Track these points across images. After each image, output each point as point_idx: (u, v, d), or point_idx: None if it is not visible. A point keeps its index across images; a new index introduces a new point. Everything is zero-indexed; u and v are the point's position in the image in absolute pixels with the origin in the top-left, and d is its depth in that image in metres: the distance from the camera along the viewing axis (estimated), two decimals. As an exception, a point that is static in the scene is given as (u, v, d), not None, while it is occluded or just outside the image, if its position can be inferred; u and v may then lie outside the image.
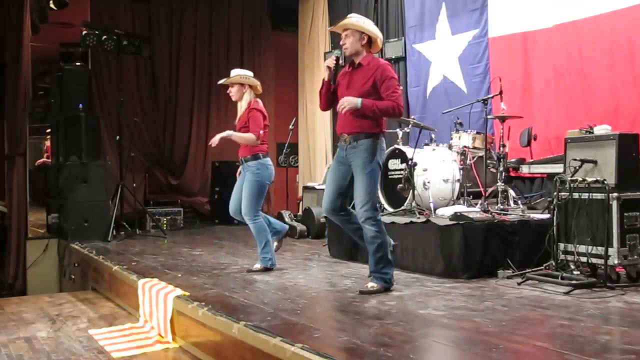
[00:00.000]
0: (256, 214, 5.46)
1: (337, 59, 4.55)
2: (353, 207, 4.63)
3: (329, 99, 4.63)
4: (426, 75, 8.33)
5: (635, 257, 4.42)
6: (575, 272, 4.52)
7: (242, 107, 5.61)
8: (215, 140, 5.46)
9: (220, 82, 5.84)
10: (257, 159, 5.48)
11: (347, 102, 4.35)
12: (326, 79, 4.58)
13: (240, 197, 5.49)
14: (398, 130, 6.63)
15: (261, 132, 5.49)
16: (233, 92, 5.65)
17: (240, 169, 5.63)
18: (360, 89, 4.40)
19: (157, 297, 4.71)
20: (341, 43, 4.54)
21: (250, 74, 5.74)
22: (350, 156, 4.46)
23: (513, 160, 6.37)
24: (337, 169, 4.58)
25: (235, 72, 5.69)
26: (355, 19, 4.52)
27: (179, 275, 5.45)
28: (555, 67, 6.72)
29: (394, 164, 6.19)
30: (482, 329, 3.42)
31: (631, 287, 4.35)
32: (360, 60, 4.49)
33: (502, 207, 5.76)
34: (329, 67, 4.55)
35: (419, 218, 5.44)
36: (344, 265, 5.87)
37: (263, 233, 5.49)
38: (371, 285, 4.46)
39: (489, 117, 6.16)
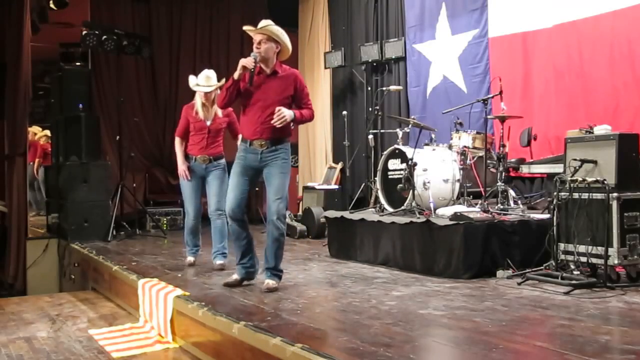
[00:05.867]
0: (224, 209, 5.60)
1: (255, 61, 4.51)
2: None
3: (233, 98, 4.64)
4: (426, 75, 8.33)
5: (635, 257, 4.42)
6: (575, 272, 4.52)
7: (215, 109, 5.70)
8: None
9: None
10: (223, 157, 5.83)
11: (287, 114, 4.51)
12: (235, 78, 4.53)
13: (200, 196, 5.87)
14: (398, 130, 6.61)
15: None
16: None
17: (188, 167, 5.75)
18: (280, 97, 4.58)
19: (157, 297, 4.71)
20: (256, 46, 4.55)
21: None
22: (267, 159, 4.62)
23: (513, 160, 6.36)
24: (245, 174, 4.66)
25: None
26: (275, 28, 4.58)
27: (179, 275, 5.45)
28: (555, 67, 6.72)
29: (394, 164, 6.17)
30: (482, 329, 3.42)
31: (631, 287, 4.35)
32: (275, 68, 4.63)
33: (502, 207, 5.75)
34: (245, 67, 4.49)
35: (419, 218, 5.43)
36: (344, 265, 5.87)
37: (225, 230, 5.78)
38: (272, 282, 4.64)
39: (489, 117, 6.15)
